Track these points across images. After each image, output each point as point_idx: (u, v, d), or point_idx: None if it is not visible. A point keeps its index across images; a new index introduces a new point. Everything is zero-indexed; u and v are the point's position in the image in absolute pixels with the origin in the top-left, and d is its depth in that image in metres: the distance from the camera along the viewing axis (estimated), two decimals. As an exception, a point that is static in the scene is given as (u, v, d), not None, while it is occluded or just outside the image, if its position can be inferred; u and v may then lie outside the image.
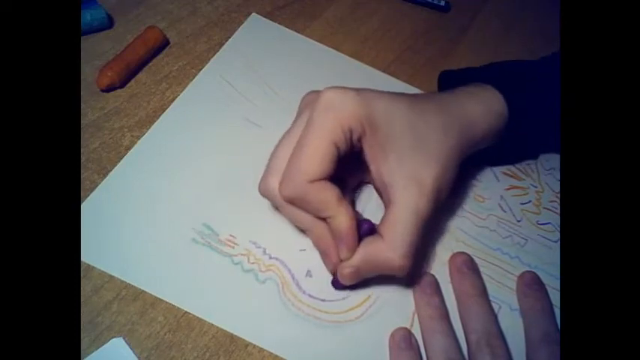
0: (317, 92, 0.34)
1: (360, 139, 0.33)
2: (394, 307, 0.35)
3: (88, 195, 0.35)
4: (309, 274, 0.35)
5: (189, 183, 0.37)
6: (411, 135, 0.33)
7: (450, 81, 0.43)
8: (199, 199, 0.37)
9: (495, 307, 0.36)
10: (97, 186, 0.36)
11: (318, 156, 0.31)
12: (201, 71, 0.43)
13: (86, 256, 0.33)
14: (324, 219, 0.32)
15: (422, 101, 0.35)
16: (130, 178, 0.37)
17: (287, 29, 0.47)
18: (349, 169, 0.35)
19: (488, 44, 0.50)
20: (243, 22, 0.46)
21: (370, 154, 0.34)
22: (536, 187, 0.42)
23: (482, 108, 0.37)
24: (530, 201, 0.41)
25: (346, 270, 0.33)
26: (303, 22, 0.48)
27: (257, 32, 0.46)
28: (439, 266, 0.37)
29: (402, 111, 0.34)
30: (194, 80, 0.42)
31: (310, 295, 0.34)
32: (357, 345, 0.33)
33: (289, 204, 0.32)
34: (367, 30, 0.49)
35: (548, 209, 0.41)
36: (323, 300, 0.34)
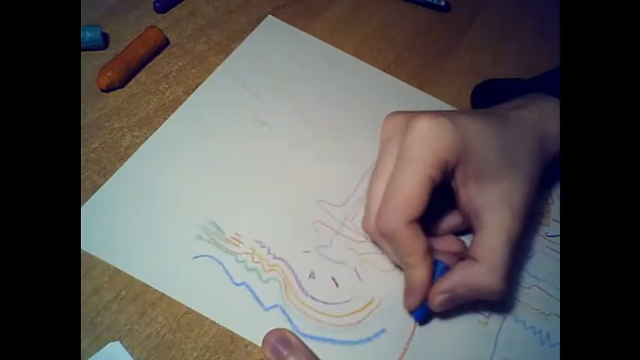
0: (400, 117, 0.33)
1: (453, 168, 0.32)
2: (397, 312, 0.35)
3: (89, 196, 0.35)
4: (312, 275, 0.35)
5: (197, 181, 0.37)
6: (502, 158, 0.33)
7: (493, 92, 0.42)
8: (206, 196, 0.37)
9: (500, 318, 0.35)
10: (97, 186, 0.36)
11: (415, 194, 0.31)
12: (214, 72, 0.43)
13: (88, 247, 0.33)
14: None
15: (506, 122, 0.35)
16: (137, 174, 0.37)
17: (302, 32, 0.47)
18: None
19: (488, 44, 0.50)
20: (244, 23, 0.46)
21: (461, 179, 0.33)
22: (546, 198, 0.41)
23: (554, 122, 0.36)
24: (539, 212, 0.41)
25: (440, 297, 0.32)
26: (303, 22, 0.48)
27: (272, 34, 0.46)
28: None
29: (493, 134, 0.33)
30: (206, 80, 0.42)
31: (312, 297, 0.34)
32: (357, 347, 0.33)
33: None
34: (367, 30, 0.49)
35: (557, 221, 0.40)
36: (325, 302, 0.34)
